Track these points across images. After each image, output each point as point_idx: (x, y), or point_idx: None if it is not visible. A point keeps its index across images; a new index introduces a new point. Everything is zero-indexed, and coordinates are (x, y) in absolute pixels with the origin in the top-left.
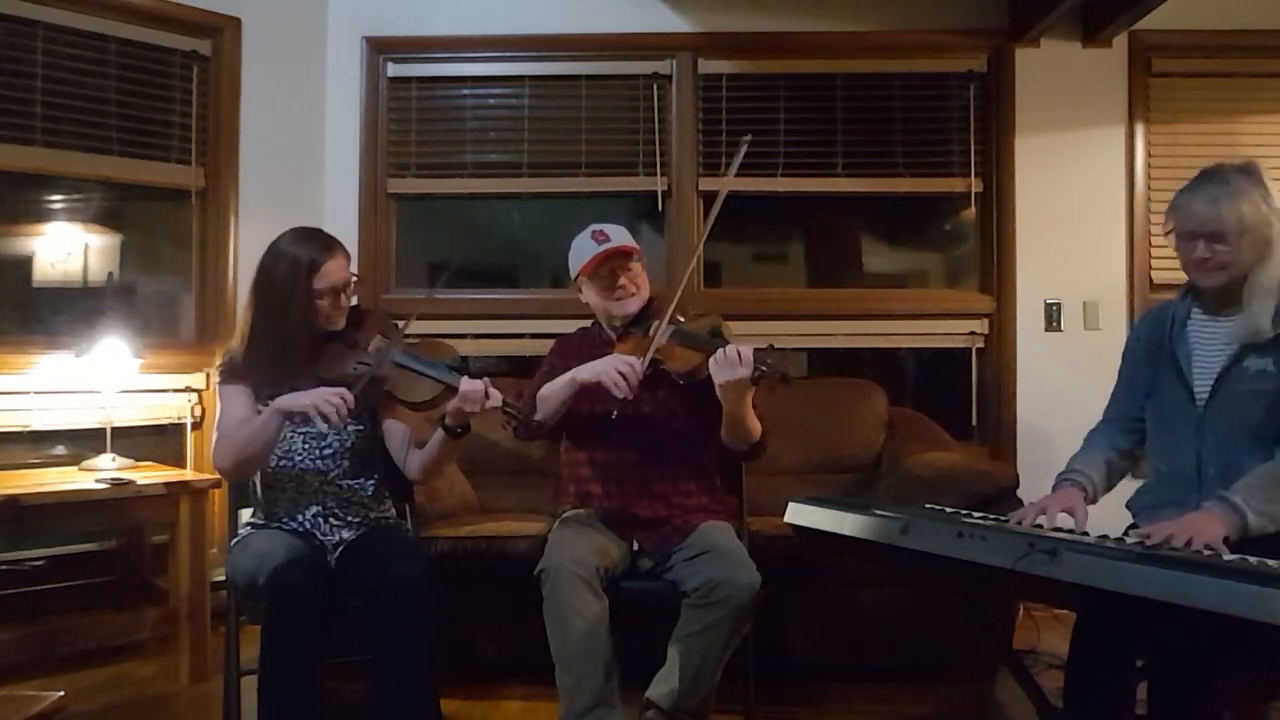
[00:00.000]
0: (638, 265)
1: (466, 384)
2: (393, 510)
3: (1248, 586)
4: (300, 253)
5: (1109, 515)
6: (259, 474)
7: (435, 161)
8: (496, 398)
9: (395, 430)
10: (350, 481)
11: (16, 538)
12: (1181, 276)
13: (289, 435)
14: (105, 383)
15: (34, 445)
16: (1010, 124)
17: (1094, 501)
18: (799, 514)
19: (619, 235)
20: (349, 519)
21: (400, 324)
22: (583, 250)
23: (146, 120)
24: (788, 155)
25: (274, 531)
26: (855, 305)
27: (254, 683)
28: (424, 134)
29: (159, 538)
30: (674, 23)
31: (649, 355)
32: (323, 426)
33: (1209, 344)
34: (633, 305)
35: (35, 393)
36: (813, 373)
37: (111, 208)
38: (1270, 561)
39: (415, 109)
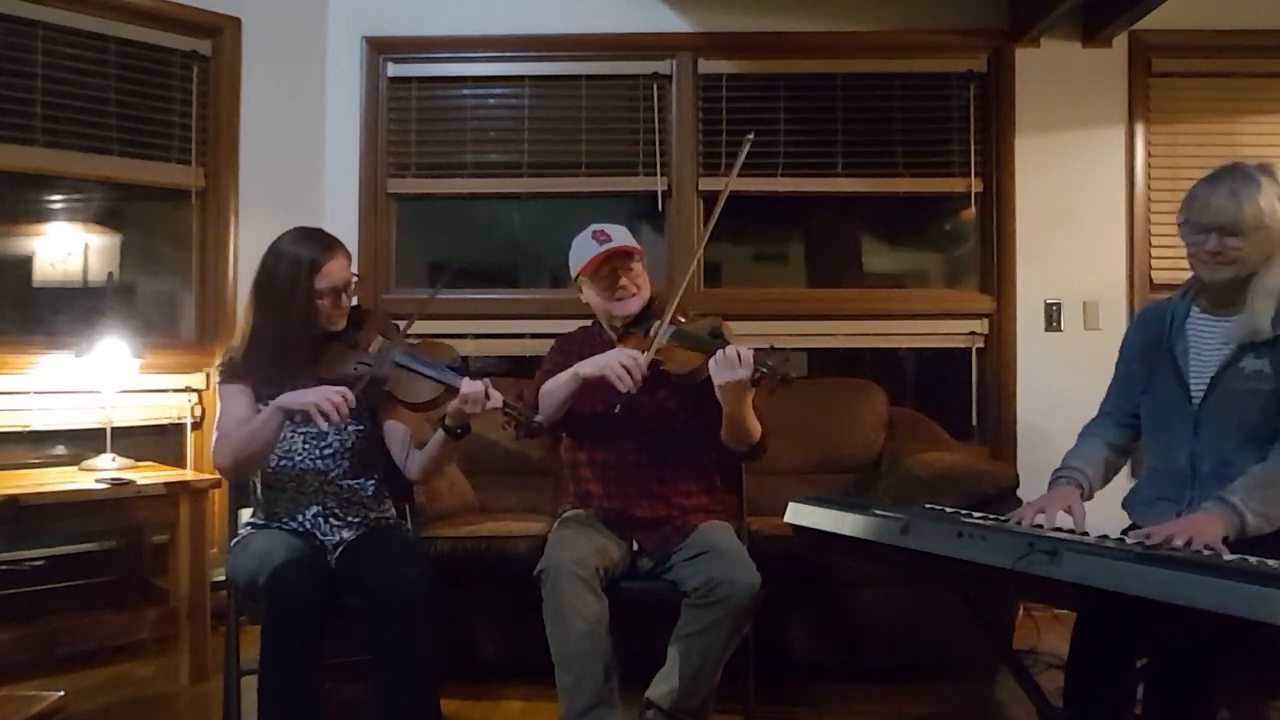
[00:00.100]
0: (638, 265)
1: (467, 385)
2: (393, 510)
3: (1248, 586)
4: (301, 253)
5: (1107, 515)
6: (259, 474)
7: (435, 161)
8: (497, 399)
9: (396, 431)
10: (350, 481)
11: (16, 538)
12: (1181, 276)
13: (289, 435)
14: (105, 383)
15: (34, 445)
16: (1010, 124)
17: (1090, 498)
18: (799, 514)
19: (620, 235)
20: (349, 519)
21: (401, 324)
22: (583, 250)
23: (146, 120)
24: (788, 155)
25: (274, 531)
26: (855, 305)
27: (254, 683)
28: (424, 134)
29: (159, 538)
30: (674, 23)
31: (649, 356)
32: (323, 425)
33: (1207, 343)
34: (633, 305)
35: (35, 393)
36: (813, 373)
37: (111, 208)
38: (1270, 561)
39: (415, 109)
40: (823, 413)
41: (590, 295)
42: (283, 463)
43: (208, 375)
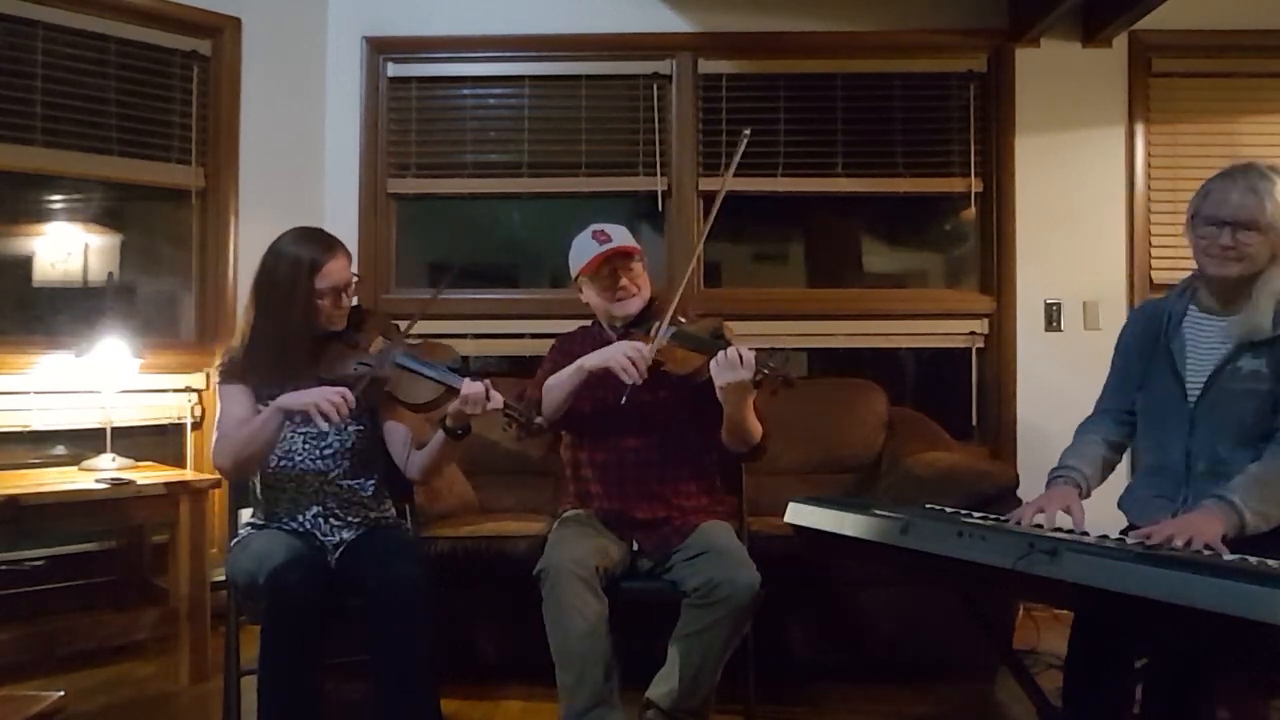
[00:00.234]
0: (639, 266)
1: (468, 386)
2: (393, 510)
3: (1248, 586)
4: (301, 252)
5: (1104, 515)
6: (259, 474)
7: (435, 161)
8: (498, 400)
9: (396, 431)
10: (350, 482)
11: (16, 538)
12: (1181, 276)
13: (289, 435)
14: (105, 383)
15: (34, 445)
16: (1010, 124)
17: (1087, 496)
18: (799, 514)
19: (620, 235)
20: (349, 519)
21: (401, 325)
22: (583, 250)
23: (146, 120)
24: (788, 155)
25: (274, 532)
26: (855, 305)
27: (254, 683)
28: (424, 134)
29: (159, 538)
30: (674, 23)
31: (654, 348)
32: (324, 425)
33: (1204, 341)
34: (634, 306)
35: (35, 393)
36: (813, 373)
37: (111, 208)
38: (1270, 561)
39: (415, 109)
40: (823, 413)
41: (590, 295)
42: (283, 463)
43: (208, 375)
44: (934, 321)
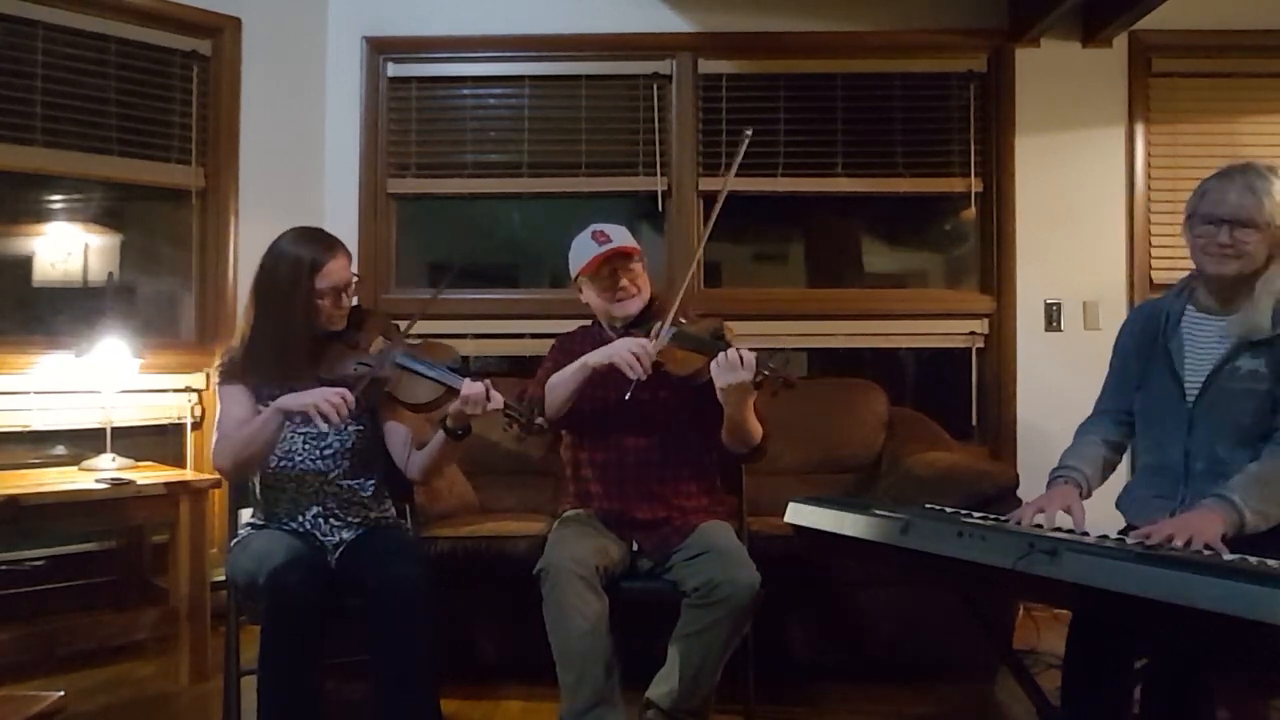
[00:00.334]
0: (639, 266)
1: (469, 386)
2: (393, 510)
3: (1248, 586)
4: (302, 252)
5: (1104, 516)
6: (258, 475)
7: (435, 161)
8: (498, 400)
9: (396, 431)
10: (350, 482)
11: (16, 538)
12: (1180, 275)
13: (289, 435)
14: (105, 383)
15: (34, 445)
16: (1010, 124)
17: (1088, 496)
18: (799, 514)
19: (620, 236)
20: (349, 519)
21: (402, 325)
22: (583, 250)
23: (146, 120)
24: (788, 155)
25: (274, 532)
26: (855, 305)
27: (254, 683)
28: (424, 134)
29: (159, 538)
30: (674, 23)
31: (656, 346)
32: (323, 426)
33: (1202, 341)
34: (634, 306)
35: (35, 393)
36: (813, 373)
37: (111, 208)
38: (1270, 561)
39: (415, 109)
40: (823, 413)
41: (590, 296)
42: (283, 463)
43: (208, 375)
44: (934, 321)
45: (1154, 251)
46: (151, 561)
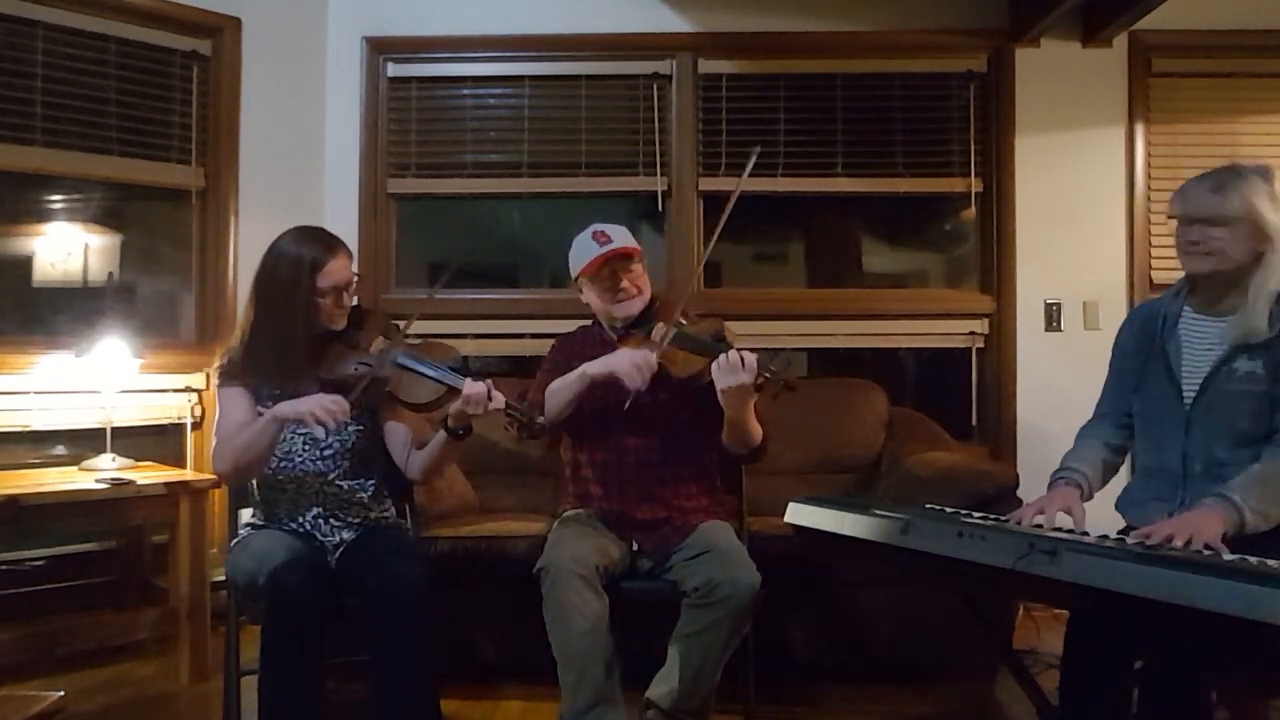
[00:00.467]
0: (639, 267)
1: (470, 386)
2: (393, 510)
3: (1248, 586)
4: (302, 252)
5: (1103, 517)
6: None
7: (435, 161)
8: (499, 400)
9: (396, 431)
10: (350, 482)
11: (16, 538)
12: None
13: (289, 436)
14: (105, 383)
15: (34, 445)
16: (1010, 124)
17: (1089, 498)
18: (799, 514)
19: (620, 236)
20: (349, 520)
21: (402, 325)
22: (584, 251)
23: (146, 120)
24: (788, 155)
25: (274, 532)
26: (855, 305)
27: (254, 683)
28: (424, 134)
29: (159, 538)
30: (674, 23)
31: (658, 355)
32: (320, 433)
33: (1199, 343)
34: (634, 307)
35: (35, 393)
36: (813, 373)
37: (111, 208)
38: (1270, 561)
39: (415, 109)
40: (823, 413)
41: (590, 296)
42: (282, 464)
43: (208, 375)
44: (934, 321)
45: (1154, 251)
46: (151, 561)
